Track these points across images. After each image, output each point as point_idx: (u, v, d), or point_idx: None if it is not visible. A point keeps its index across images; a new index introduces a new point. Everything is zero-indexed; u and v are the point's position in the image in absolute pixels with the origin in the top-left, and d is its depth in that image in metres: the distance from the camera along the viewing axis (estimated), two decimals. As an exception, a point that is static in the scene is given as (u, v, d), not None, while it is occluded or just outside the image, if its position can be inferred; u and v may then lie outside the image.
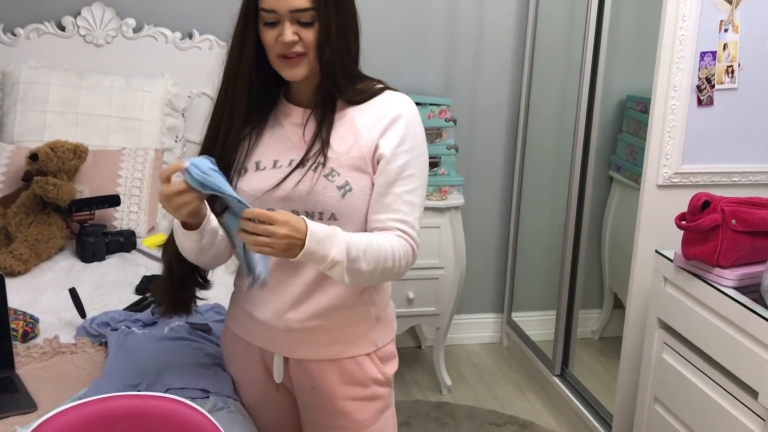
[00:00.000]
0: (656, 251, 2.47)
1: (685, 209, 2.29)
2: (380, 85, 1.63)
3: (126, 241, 2.65)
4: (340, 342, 1.64)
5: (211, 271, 1.75)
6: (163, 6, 3.17)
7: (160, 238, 2.73)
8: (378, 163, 1.57)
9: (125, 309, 2.18)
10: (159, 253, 2.57)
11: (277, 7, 1.51)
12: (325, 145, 1.56)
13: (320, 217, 1.56)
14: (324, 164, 1.55)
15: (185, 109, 3.11)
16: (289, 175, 1.56)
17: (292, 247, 1.42)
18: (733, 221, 2.16)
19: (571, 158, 3.19)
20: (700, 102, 2.51)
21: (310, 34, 1.52)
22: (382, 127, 1.57)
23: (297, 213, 1.54)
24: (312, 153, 1.57)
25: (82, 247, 2.58)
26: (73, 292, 2.17)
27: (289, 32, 1.51)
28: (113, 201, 2.69)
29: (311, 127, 1.59)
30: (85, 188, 2.72)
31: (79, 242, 2.60)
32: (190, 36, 3.18)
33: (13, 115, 2.90)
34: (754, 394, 2.04)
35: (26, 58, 3.02)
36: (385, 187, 1.56)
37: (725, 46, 2.47)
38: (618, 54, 3.25)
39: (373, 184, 1.57)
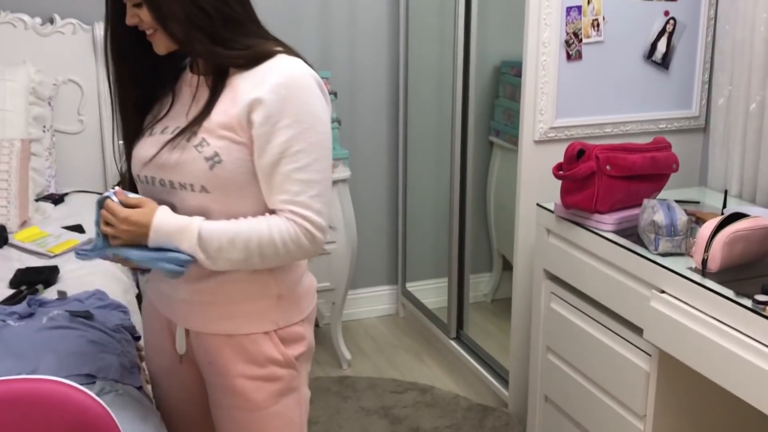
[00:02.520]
0: (537, 204, 2.51)
1: (558, 162, 2.34)
2: (277, 48, 1.53)
3: (-4, 237, 2.51)
4: (236, 317, 1.57)
5: None
6: (19, -10, 3.00)
7: (34, 231, 2.60)
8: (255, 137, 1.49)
9: (-1, 303, 2.06)
10: (34, 247, 2.48)
11: None
12: (204, 113, 1.50)
13: (192, 188, 1.50)
14: (196, 133, 1.49)
15: (51, 98, 2.97)
16: (167, 143, 1.51)
17: (138, 239, 1.48)
18: (608, 167, 2.22)
19: (452, 125, 3.22)
20: (569, 57, 2.56)
21: (144, 14, 1.48)
22: (257, 95, 1.47)
23: (172, 184, 1.51)
24: (190, 121, 1.51)
25: (-52, 245, 2.43)
26: (-61, 290, 2.03)
27: (129, 15, 1.51)
28: (-21, 195, 2.54)
29: (200, 93, 1.54)
30: (-53, 185, 2.56)
31: (-56, 241, 2.44)
32: (51, 21, 3.02)
33: None
34: (638, 331, 2.10)
35: None
36: (270, 167, 1.48)
37: (589, 0, 2.53)
38: (490, 20, 3.28)
39: (252, 157, 1.50)
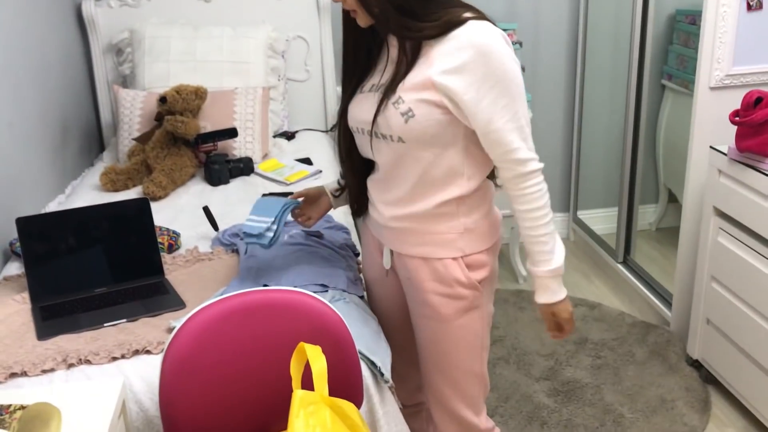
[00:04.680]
0: (711, 147, 2.33)
1: (734, 109, 2.15)
2: (467, 14, 1.46)
3: (245, 167, 2.67)
4: (429, 244, 1.60)
5: None
6: (259, -39, 3.10)
7: (273, 162, 2.74)
8: (455, 100, 1.44)
9: (250, 222, 2.19)
10: (274, 175, 2.62)
11: None
12: (400, 75, 1.47)
13: (391, 139, 1.51)
14: (395, 92, 1.48)
15: (284, 51, 3.08)
16: (381, 100, 1.50)
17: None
18: (785, 114, 2.02)
19: (628, 69, 3.03)
20: (749, 7, 2.32)
21: None
22: (456, 63, 1.42)
23: (376, 134, 1.52)
24: (389, 82, 1.50)
25: (210, 173, 2.61)
26: (207, 210, 2.20)
27: None
28: (232, 133, 2.70)
29: (399, 58, 1.50)
30: (207, 124, 2.74)
31: (207, 169, 2.62)
32: (284, -14, 3.11)
33: (143, 66, 2.92)
34: (806, 268, 1.94)
35: (149, 16, 3.03)
36: (485, 126, 1.45)
37: (774, -48, 2.26)
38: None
39: (441, 110, 1.46)
